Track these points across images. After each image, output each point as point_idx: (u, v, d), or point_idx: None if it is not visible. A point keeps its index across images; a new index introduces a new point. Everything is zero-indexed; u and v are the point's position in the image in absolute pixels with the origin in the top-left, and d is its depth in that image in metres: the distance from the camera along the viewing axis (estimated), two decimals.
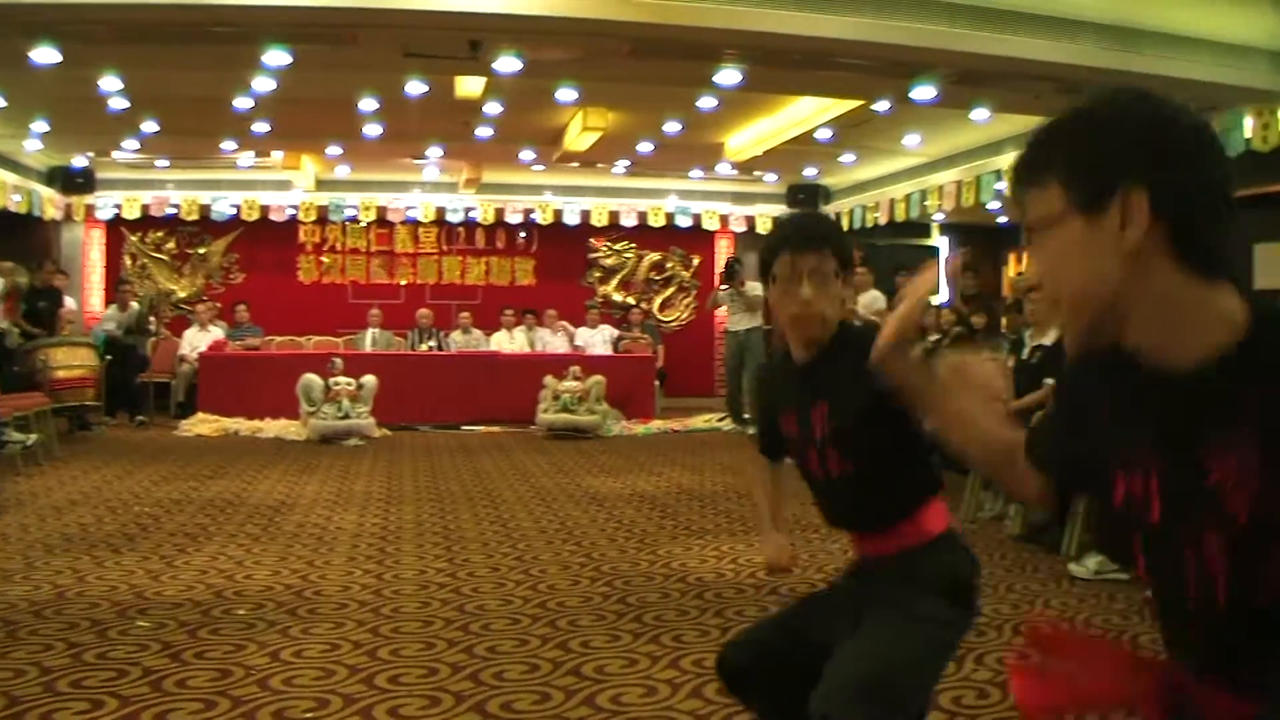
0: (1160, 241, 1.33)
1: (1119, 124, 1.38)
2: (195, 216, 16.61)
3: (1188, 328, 1.35)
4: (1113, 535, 1.84)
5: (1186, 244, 1.33)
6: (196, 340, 14.56)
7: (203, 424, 12.62)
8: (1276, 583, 1.33)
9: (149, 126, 12.29)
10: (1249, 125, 9.47)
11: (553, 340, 15.94)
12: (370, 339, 15.12)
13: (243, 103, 10.72)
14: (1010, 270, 19.36)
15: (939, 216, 16.27)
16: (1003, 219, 18.74)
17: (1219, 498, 1.33)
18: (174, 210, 16.51)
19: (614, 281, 18.97)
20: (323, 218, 17.22)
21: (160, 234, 17.18)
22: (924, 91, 9.39)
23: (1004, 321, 10.15)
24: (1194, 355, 1.34)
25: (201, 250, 17.30)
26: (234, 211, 16.65)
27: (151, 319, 14.52)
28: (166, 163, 15.57)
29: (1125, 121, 1.38)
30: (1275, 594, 1.33)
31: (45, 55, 8.16)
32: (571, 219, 17.74)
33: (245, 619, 4.69)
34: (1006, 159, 12.89)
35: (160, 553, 6.04)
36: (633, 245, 18.99)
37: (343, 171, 16.35)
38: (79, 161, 15.68)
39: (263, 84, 9.64)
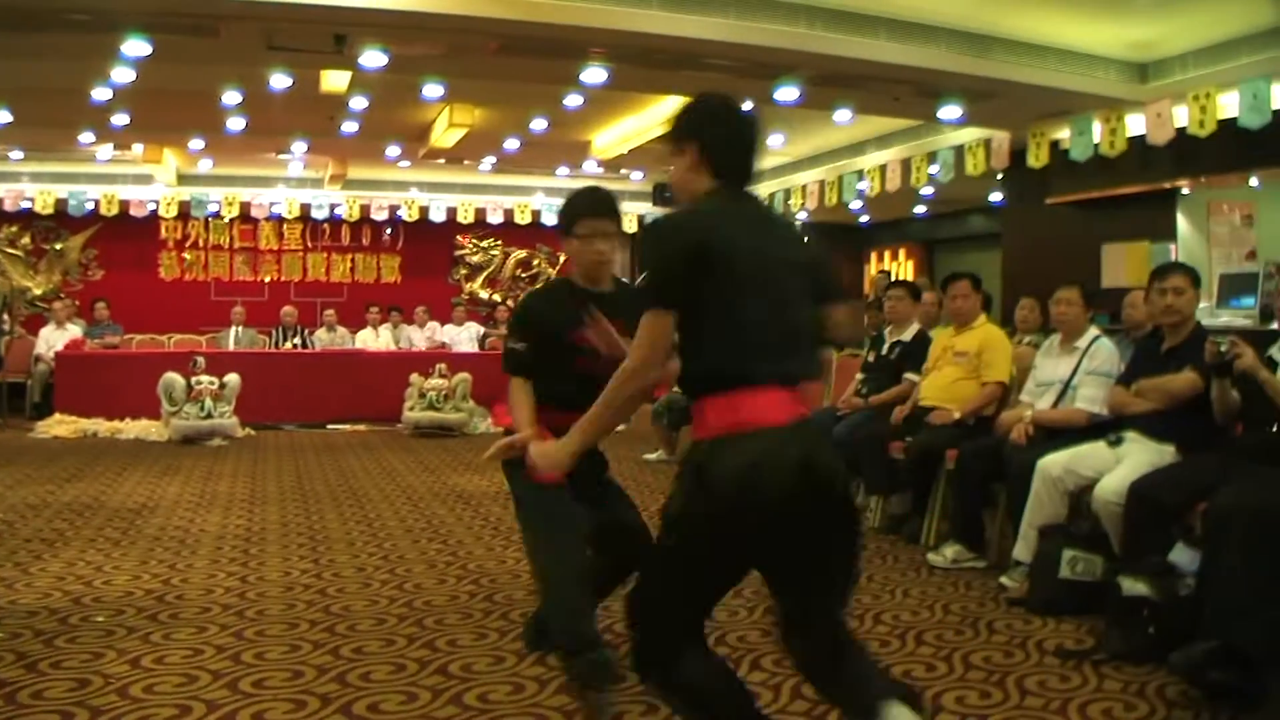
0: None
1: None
2: (51, 211, 16.15)
3: None
4: None
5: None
6: (53, 339, 14.12)
7: (60, 425, 12.27)
8: None
9: (2, 117, 11.87)
10: (1098, 130, 9.78)
11: (417, 337, 15.87)
12: (233, 337, 14.86)
13: (101, 94, 10.39)
14: (871, 269, 19.80)
15: (802, 215, 16.53)
16: (864, 218, 19.16)
17: None
18: (29, 204, 16.01)
19: (480, 279, 18.98)
20: (185, 213, 16.89)
21: (14, 229, 16.73)
22: (787, 92, 9.54)
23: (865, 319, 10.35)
24: None
25: (58, 246, 16.88)
26: (92, 206, 16.20)
27: (5, 317, 14.07)
28: (21, 155, 15.12)
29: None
30: None
31: None
32: (437, 216, 17.64)
33: (104, 626, 4.61)
34: (869, 159, 13.17)
35: (15, 559, 5.88)
36: (499, 242, 19.04)
37: (205, 166, 15.99)
38: None
39: (122, 75, 9.36)
